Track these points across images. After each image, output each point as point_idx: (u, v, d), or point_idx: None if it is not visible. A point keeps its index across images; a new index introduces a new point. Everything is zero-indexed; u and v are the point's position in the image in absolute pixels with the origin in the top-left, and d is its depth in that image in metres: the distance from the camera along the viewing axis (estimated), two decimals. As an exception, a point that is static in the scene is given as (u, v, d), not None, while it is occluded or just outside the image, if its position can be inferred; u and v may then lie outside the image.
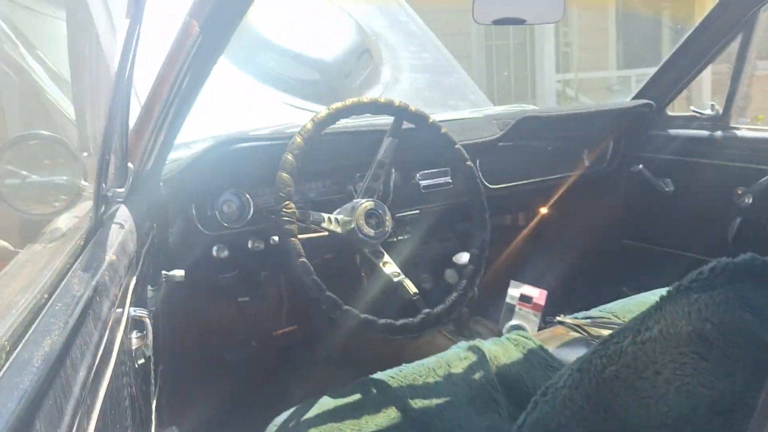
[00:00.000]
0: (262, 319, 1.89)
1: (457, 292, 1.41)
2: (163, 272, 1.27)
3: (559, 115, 1.93)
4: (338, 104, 1.35)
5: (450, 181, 1.79)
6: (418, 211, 1.74)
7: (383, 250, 1.39)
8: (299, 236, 1.26)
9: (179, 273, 1.28)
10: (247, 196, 1.54)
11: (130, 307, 0.94)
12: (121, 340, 0.86)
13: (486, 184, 1.87)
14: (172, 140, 1.27)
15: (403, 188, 1.70)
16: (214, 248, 1.52)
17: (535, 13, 1.49)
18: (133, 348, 0.97)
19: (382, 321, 1.27)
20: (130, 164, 1.24)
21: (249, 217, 1.54)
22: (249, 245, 1.55)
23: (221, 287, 1.71)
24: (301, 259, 1.23)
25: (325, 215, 1.36)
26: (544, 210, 2.21)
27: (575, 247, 2.19)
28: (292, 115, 2.08)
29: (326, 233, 1.37)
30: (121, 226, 1.05)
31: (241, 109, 2.10)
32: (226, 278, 1.69)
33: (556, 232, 2.25)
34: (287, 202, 1.25)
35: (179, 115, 1.19)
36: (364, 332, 1.26)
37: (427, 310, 1.35)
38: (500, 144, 1.82)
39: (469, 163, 1.49)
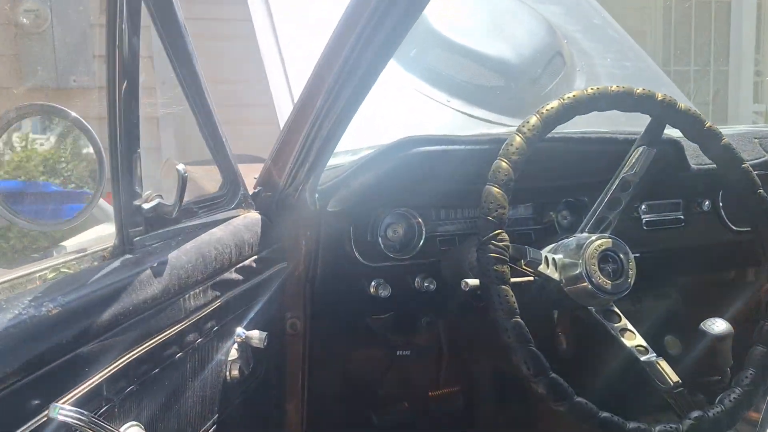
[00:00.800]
0: (417, 374, 1.51)
1: (741, 388, 0.94)
2: (239, 330, 0.94)
3: None
4: (577, 92, 0.95)
5: (682, 217, 1.34)
6: (638, 255, 1.29)
7: (619, 312, 0.97)
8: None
9: (257, 336, 0.94)
10: (419, 219, 1.19)
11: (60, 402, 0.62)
12: None
13: (729, 224, 1.39)
14: (335, 142, 0.97)
15: (618, 222, 1.27)
16: (372, 283, 1.17)
17: None
18: None
19: (633, 425, 0.85)
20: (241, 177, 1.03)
21: (418, 247, 1.19)
22: (415, 284, 1.20)
23: (371, 330, 1.36)
24: (514, 319, 0.83)
25: (542, 253, 0.96)
26: None
27: None
28: (468, 126, 1.71)
29: (531, 278, 0.97)
30: (161, 263, 0.75)
31: (403, 115, 1.77)
32: (378, 320, 1.35)
33: None
34: (499, 232, 0.86)
35: (350, 106, 0.87)
36: None
37: (699, 413, 0.90)
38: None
39: (762, 191, 1.03)
